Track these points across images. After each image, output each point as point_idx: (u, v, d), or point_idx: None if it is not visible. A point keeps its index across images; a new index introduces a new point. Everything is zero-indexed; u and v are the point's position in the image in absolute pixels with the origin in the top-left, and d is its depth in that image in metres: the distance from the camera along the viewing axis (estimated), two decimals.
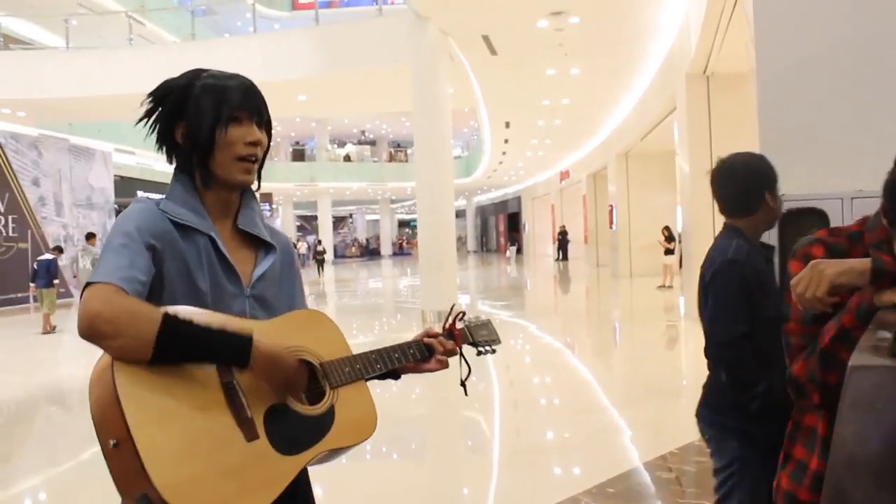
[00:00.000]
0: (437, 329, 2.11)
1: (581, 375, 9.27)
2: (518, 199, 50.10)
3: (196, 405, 1.52)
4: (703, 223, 11.64)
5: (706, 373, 2.80)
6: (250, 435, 1.56)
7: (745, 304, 2.55)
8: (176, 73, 1.87)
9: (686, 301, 14.32)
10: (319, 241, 39.16)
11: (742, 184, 2.68)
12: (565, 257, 36.04)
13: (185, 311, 1.57)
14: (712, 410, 2.73)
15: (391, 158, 47.47)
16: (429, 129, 13.48)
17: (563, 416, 7.16)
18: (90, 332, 1.45)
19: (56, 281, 14.88)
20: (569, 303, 19.68)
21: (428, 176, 13.61)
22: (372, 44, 15.31)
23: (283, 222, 48.33)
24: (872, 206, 2.06)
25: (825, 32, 3.35)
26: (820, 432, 1.73)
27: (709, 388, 2.77)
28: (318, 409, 1.72)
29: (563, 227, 36.98)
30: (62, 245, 18.25)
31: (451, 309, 2.18)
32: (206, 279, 1.69)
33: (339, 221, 60.87)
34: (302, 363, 1.70)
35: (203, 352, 1.54)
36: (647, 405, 7.28)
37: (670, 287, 18.75)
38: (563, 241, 36.57)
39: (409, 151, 47.51)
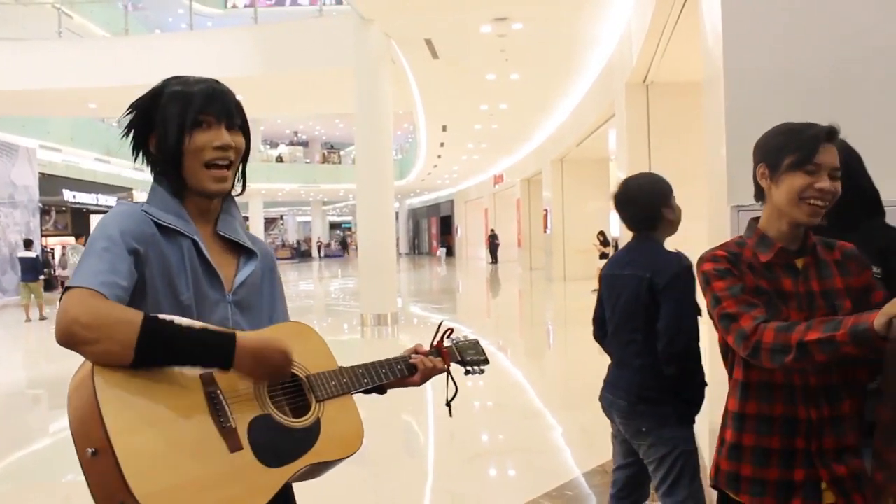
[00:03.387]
0: (425, 346, 2.12)
1: (515, 379, 9.32)
2: (451, 203, 50.20)
3: (178, 413, 1.48)
4: None
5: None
6: (234, 445, 1.53)
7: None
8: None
9: None
10: None
11: (641, 206, 3.03)
12: (495, 260, 36.27)
13: (165, 315, 1.54)
14: (653, 404, 2.96)
15: (324, 160, 47.08)
16: (370, 132, 13.43)
17: (497, 421, 7.14)
18: (68, 338, 1.42)
19: (42, 276, 17.17)
20: (503, 306, 19.80)
21: (369, 178, 13.55)
22: (313, 45, 15.17)
23: None
24: None
25: (794, 45, 3.47)
26: (752, 412, 1.98)
27: (641, 385, 2.99)
28: (304, 421, 1.69)
29: (493, 230, 37.23)
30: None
31: (439, 326, 2.16)
32: (189, 284, 1.66)
33: (270, 223, 60.10)
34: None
35: (186, 354, 1.51)
36: (583, 410, 7.33)
37: None
38: (492, 245, 36.81)
39: (342, 153, 47.21)
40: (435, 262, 43.34)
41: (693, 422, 3.02)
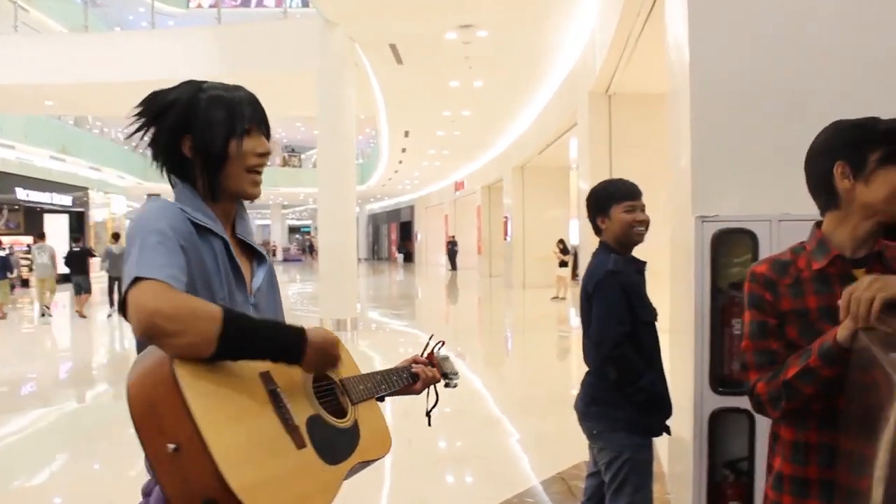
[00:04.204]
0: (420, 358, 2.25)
1: (474, 386, 9.31)
2: (411, 208, 50.18)
3: (252, 409, 1.48)
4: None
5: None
6: (299, 442, 1.54)
7: (626, 309, 2.93)
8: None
9: (579, 312, 14.60)
10: None
11: (588, 214, 3.15)
12: (454, 267, 36.32)
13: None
14: (604, 406, 3.03)
15: (284, 163, 46.76)
16: (333, 136, 13.38)
17: (456, 428, 7.11)
18: (151, 330, 1.36)
19: (10, 274, 17.19)
20: (462, 312, 19.82)
21: (330, 183, 13.49)
22: (276, 47, 15.08)
23: None
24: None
25: (760, 58, 3.51)
26: (789, 438, 1.84)
27: (594, 386, 3.09)
28: (347, 422, 1.75)
29: (453, 237, 37.29)
30: None
31: (430, 338, 2.30)
32: (224, 284, 1.67)
33: None
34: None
35: (262, 347, 1.50)
36: (542, 417, 7.37)
37: (563, 298, 19.15)
38: (451, 251, 36.85)
39: (303, 156, 46.92)
40: (394, 269, 43.26)
41: (650, 431, 3.06)
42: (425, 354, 2.26)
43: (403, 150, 26.26)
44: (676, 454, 4.20)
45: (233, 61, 15.76)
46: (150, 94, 1.76)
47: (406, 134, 22.75)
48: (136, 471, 5.59)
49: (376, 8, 11.77)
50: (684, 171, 3.74)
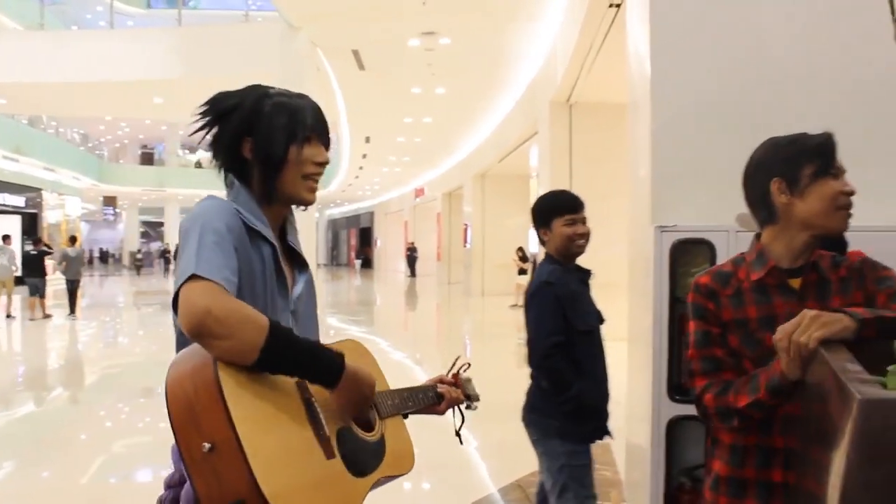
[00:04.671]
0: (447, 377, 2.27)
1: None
2: (371, 214, 50.08)
3: (288, 416, 1.50)
4: None
5: None
6: (329, 453, 1.56)
7: (560, 319, 2.97)
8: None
9: None
10: (167, 244, 38.93)
11: (533, 223, 3.22)
12: (413, 273, 36.31)
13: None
14: (539, 414, 3.12)
15: None
16: None
17: (412, 434, 7.06)
18: (200, 329, 1.39)
19: None
20: (421, 319, 19.81)
21: None
22: (238, 50, 14.97)
23: (126, 227, 46.29)
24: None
25: (720, 70, 3.57)
26: (728, 442, 1.91)
27: (533, 394, 3.16)
28: (374, 436, 1.76)
29: (412, 243, 37.28)
30: None
31: (456, 360, 2.32)
32: (266, 289, 1.69)
33: None
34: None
35: (302, 365, 1.52)
36: (499, 425, 7.34)
37: (522, 306, 19.18)
38: (411, 258, 36.83)
39: None
40: (353, 275, 43.15)
41: (584, 438, 3.11)
42: (450, 375, 2.28)
43: (364, 156, 26.22)
44: (634, 461, 4.23)
45: (193, 64, 15.63)
46: (215, 95, 1.79)
47: (367, 140, 22.73)
48: (88, 477, 5.51)
49: (340, 13, 11.76)
50: (643, 181, 3.78)
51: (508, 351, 13.04)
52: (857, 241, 3.34)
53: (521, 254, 19.92)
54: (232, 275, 1.51)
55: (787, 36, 3.56)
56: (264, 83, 1.85)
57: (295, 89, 1.88)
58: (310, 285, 1.90)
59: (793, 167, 1.83)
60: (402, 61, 13.86)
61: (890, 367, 1.32)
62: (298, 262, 1.87)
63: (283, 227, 1.84)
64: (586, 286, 3.21)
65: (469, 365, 2.31)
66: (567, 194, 3.24)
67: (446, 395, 2.17)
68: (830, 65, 3.53)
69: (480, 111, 18.22)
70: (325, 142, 1.82)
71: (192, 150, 47.24)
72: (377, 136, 22.13)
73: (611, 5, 7.52)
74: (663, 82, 3.61)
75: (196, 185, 41.29)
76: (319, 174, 1.79)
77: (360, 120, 19.68)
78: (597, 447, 3.22)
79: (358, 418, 1.73)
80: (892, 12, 1.54)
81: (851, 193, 1.82)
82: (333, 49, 13.31)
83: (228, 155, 1.76)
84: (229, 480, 1.34)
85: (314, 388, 1.60)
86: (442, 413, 2.16)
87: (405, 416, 2.04)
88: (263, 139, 1.72)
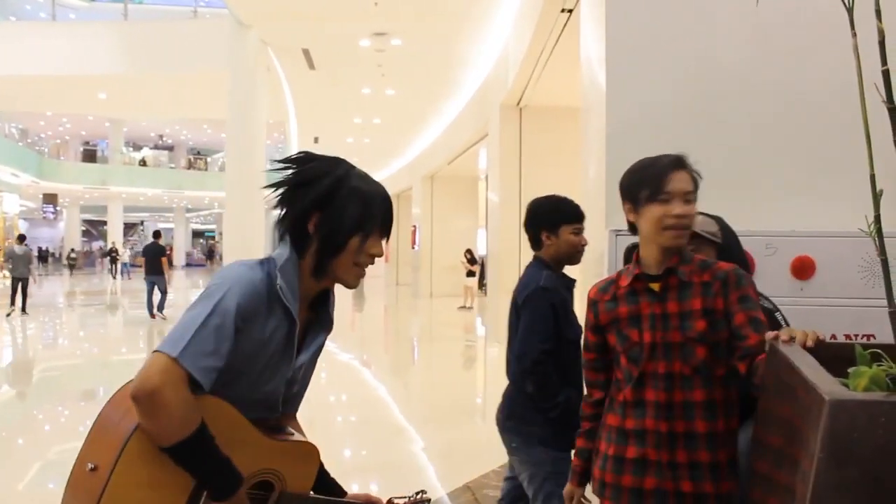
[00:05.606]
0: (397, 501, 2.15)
1: (379, 394, 9.26)
2: None
3: (169, 483, 1.59)
4: (509, 248, 12.08)
5: (502, 391, 3.18)
6: None
7: (551, 326, 2.96)
8: None
9: (486, 322, 14.75)
10: (113, 244, 38.29)
11: (529, 225, 3.14)
12: None
13: (223, 414, 1.63)
14: (519, 421, 3.06)
15: (190, 166, 45.80)
16: (242, 139, 13.20)
17: (361, 436, 7.06)
18: (138, 397, 1.51)
19: None
20: (368, 321, 19.72)
21: (239, 187, 13.28)
22: (185, 47, 14.77)
23: (67, 226, 45.31)
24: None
25: (673, 76, 3.62)
26: (613, 424, 2.20)
27: (512, 400, 3.11)
28: None
29: None
30: None
31: (420, 494, 2.21)
32: (270, 357, 1.74)
33: (129, 228, 57.79)
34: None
35: (203, 473, 1.61)
36: (448, 426, 7.37)
37: (470, 308, 19.27)
38: None
39: (209, 160, 46.03)
40: None
41: (568, 445, 3.07)
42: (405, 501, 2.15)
43: None
44: None
45: (139, 60, 15.37)
46: (305, 154, 1.83)
47: (315, 140, 22.59)
48: (24, 484, 5.37)
49: (291, 12, 11.67)
50: (598, 185, 3.81)
51: (456, 353, 13.06)
52: (806, 246, 3.42)
53: (469, 256, 19.97)
54: (219, 361, 1.59)
55: (740, 43, 3.63)
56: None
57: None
58: (318, 348, 1.93)
59: (636, 191, 2.12)
60: (353, 62, 13.81)
61: (851, 369, 1.35)
62: (321, 324, 1.90)
63: (325, 295, 1.88)
64: (571, 294, 3.20)
65: (430, 500, 2.20)
66: (573, 202, 3.19)
67: None
68: (782, 72, 3.61)
69: (430, 113, 18.23)
70: (387, 235, 1.84)
71: (137, 147, 46.51)
72: (326, 136, 22.02)
73: (563, 10, 7.57)
74: (617, 88, 3.66)
75: (140, 184, 40.63)
76: (371, 264, 1.83)
77: (310, 120, 19.56)
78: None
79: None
80: (852, 26, 1.56)
81: (679, 216, 2.04)
82: (284, 48, 13.21)
83: (296, 223, 1.78)
84: (87, 501, 1.52)
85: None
86: None
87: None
88: (331, 222, 1.75)
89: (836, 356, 1.49)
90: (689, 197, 2.07)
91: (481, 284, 19.69)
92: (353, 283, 1.81)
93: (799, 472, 1.25)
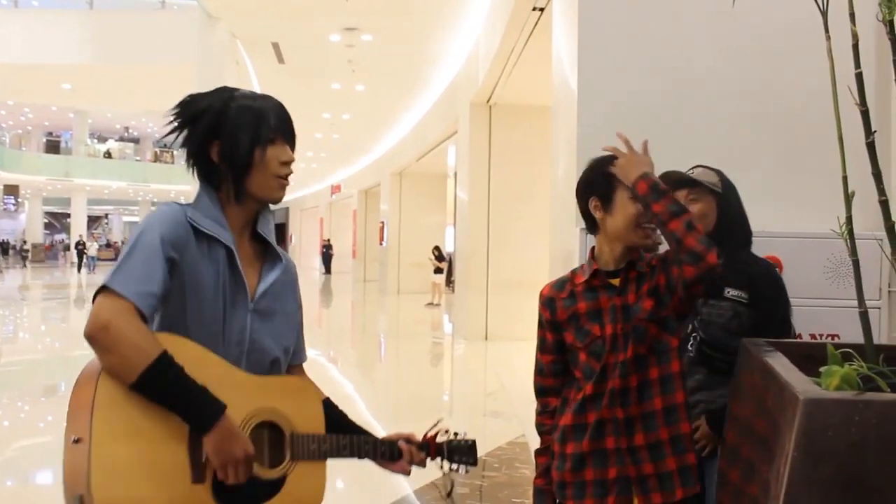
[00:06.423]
0: (418, 436, 2.08)
1: (345, 391, 9.19)
2: (286, 210, 49.48)
3: (159, 434, 1.59)
4: (477, 245, 12.10)
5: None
6: (197, 477, 1.62)
7: None
8: None
9: (453, 319, 14.76)
10: (81, 237, 37.76)
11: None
12: (328, 271, 35.99)
13: (187, 351, 1.62)
14: None
15: (156, 159, 45.35)
16: None
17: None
18: (93, 338, 1.55)
19: None
20: (335, 316, 19.66)
21: None
22: (153, 38, 14.59)
23: (29, 218, 44.62)
24: None
25: (643, 75, 3.66)
26: (568, 423, 2.20)
27: None
28: (271, 473, 1.75)
29: (328, 240, 36.95)
30: None
31: (437, 423, 2.13)
32: (218, 293, 1.74)
33: (93, 221, 57.07)
34: (263, 438, 1.75)
35: (176, 403, 1.60)
36: (414, 423, 7.31)
37: (438, 305, 19.29)
38: (326, 255, 36.49)
39: (175, 153, 45.58)
40: None
41: None
42: (427, 436, 2.09)
43: None
44: None
45: (105, 50, 15.17)
46: (186, 98, 1.84)
47: None
48: None
49: (261, 5, 11.59)
50: (567, 184, 3.82)
51: (423, 350, 13.06)
52: (774, 246, 3.45)
53: (437, 252, 19.97)
54: (156, 287, 1.62)
55: (713, 44, 3.67)
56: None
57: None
58: (283, 280, 1.90)
59: (606, 188, 2.14)
60: (323, 56, 13.74)
61: (822, 369, 1.36)
62: (271, 256, 1.89)
63: (256, 221, 1.87)
64: None
65: (448, 431, 2.12)
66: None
67: (405, 455, 2.00)
68: (755, 73, 3.65)
69: (400, 109, 18.20)
70: (291, 141, 1.87)
71: (102, 139, 45.91)
72: (295, 131, 21.87)
73: (535, 8, 7.59)
74: (589, 87, 3.68)
75: (105, 176, 40.09)
76: (288, 173, 1.85)
77: None
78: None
79: (271, 454, 1.77)
80: (826, 29, 1.57)
81: (640, 213, 2.08)
82: (253, 41, 13.10)
83: (198, 158, 1.82)
84: (78, 475, 1.52)
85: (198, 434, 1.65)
86: (397, 471, 2.03)
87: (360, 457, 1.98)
88: (229, 142, 1.78)
89: (806, 356, 1.51)
90: None
91: (449, 281, 19.68)
92: (277, 196, 1.84)
93: (773, 469, 1.26)
